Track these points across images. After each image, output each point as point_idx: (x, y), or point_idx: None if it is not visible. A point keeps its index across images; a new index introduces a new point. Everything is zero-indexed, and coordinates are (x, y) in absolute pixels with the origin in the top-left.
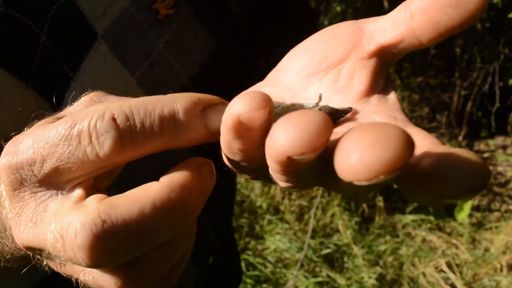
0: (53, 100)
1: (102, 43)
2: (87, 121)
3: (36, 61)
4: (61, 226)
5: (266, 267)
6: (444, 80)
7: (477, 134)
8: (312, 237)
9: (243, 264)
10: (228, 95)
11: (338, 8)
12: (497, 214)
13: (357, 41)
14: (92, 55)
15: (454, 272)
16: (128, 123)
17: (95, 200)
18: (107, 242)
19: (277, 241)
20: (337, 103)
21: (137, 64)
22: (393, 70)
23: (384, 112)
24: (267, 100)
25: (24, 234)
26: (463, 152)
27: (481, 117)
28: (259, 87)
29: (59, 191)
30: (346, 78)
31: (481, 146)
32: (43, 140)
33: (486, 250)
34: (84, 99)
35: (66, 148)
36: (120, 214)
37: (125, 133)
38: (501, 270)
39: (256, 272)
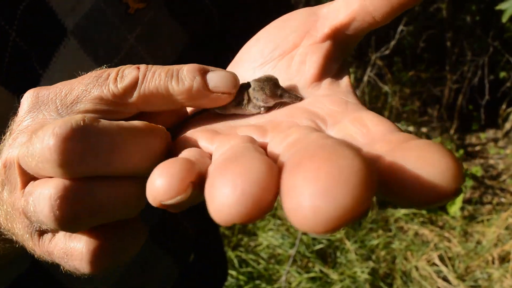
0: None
1: (72, 39)
2: (115, 69)
3: (7, 58)
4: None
5: (259, 263)
6: (435, 74)
7: (469, 127)
8: (305, 233)
9: (236, 261)
10: None
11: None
12: (488, 207)
13: (310, 26)
14: (62, 52)
15: (446, 265)
16: (147, 70)
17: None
18: (82, 141)
19: (269, 237)
20: (293, 87)
21: (107, 60)
22: (384, 64)
23: (334, 96)
24: (186, 177)
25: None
26: (423, 149)
27: (472, 111)
28: None
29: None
30: (297, 64)
31: (473, 139)
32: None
33: (478, 243)
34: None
35: (94, 83)
36: (102, 125)
37: (142, 74)
38: (493, 262)
39: (249, 269)
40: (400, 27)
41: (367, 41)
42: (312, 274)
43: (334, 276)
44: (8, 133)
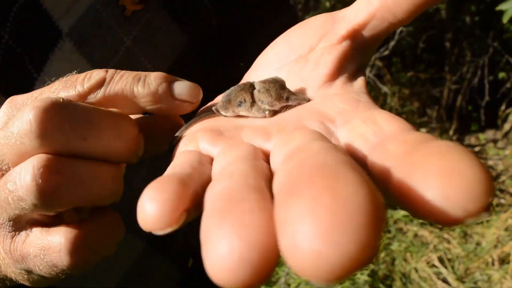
0: None
1: (67, 42)
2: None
3: (0, 61)
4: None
5: None
6: (434, 74)
7: (468, 128)
8: None
9: None
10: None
11: (327, 4)
12: None
13: (328, 29)
14: (57, 54)
15: (446, 267)
16: (114, 73)
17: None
18: (60, 113)
19: None
20: (301, 90)
21: (104, 62)
22: (383, 65)
23: (345, 94)
24: (179, 206)
25: None
26: (446, 156)
27: (471, 111)
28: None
29: None
30: (312, 65)
31: (472, 140)
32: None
33: (478, 244)
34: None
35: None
36: (78, 103)
37: (109, 75)
38: (493, 264)
39: None
40: (400, 28)
41: None
42: None
43: None
44: None
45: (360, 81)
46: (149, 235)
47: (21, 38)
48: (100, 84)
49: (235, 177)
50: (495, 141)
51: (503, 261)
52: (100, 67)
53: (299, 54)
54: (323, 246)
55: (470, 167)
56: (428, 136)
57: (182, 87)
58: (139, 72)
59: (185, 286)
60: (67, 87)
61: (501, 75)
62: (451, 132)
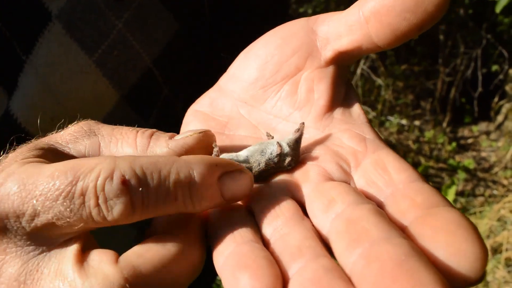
0: (5, 84)
1: (57, 24)
2: (92, 179)
3: None
4: None
5: None
6: (428, 67)
7: (461, 120)
8: None
9: None
10: (192, 81)
11: None
12: (481, 199)
13: (312, 47)
14: (46, 37)
15: None
16: (140, 188)
17: (107, 262)
18: None
19: None
20: (298, 120)
21: (95, 46)
22: (377, 57)
23: (350, 131)
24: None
25: None
26: (453, 232)
27: (464, 103)
28: (210, 96)
29: (52, 247)
30: (305, 91)
31: (465, 132)
32: (35, 190)
33: None
34: (73, 129)
35: (67, 206)
36: (146, 282)
37: (137, 199)
38: None
39: None
40: None
41: None
42: None
43: None
44: None
45: (357, 109)
46: (141, 224)
47: (9, 19)
48: (127, 214)
49: (308, 255)
50: (488, 133)
51: (495, 250)
52: (91, 50)
53: (286, 73)
54: None
55: (473, 246)
56: (435, 195)
57: (235, 187)
58: (168, 174)
59: None
60: (74, 211)
61: (494, 67)
62: (444, 124)
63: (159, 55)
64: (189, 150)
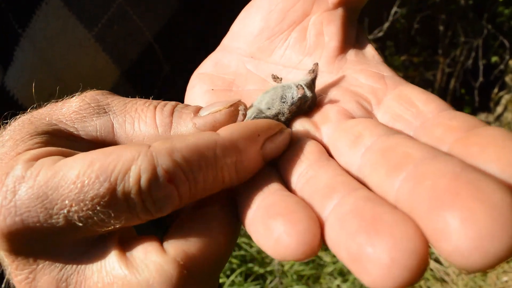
0: (0, 59)
1: None
2: (133, 182)
3: None
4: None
5: (251, 246)
6: (427, 58)
7: (461, 111)
8: None
9: None
10: (193, 59)
11: None
12: None
13: None
14: (44, 9)
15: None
16: (188, 183)
17: (154, 252)
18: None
19: None
20: (310, 67)
21: (94, 19)
22: (377, 47)
23: (367, 70)
24: (317, 235)
25: None
26: (502, 145)
27: (464, 95)
28: (214, 57)
29: (88, 246)
30: (314, 35)
31: None
32: (63, 199)
33: None
34: (78, 105)
35: (108, 215)
36: (200, 263)
37: (185, 191)
38: None
39: (242, 252)
40: (394, 8)
41: (360, 23)
42: None
43: (327, 258)
44: None
45: (370, 50)
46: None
47: None
48: (176, 206)
49: (342, 190)
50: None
51: None
52: (90, 24)
53: (292, 19)
54: (489, 243)
55: None
56: (468, 117)
57: (274, 149)
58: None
59: None
60: (119, 211)
61: (494, 59)
62: None
63: (160, 30)
64: (218, 126)
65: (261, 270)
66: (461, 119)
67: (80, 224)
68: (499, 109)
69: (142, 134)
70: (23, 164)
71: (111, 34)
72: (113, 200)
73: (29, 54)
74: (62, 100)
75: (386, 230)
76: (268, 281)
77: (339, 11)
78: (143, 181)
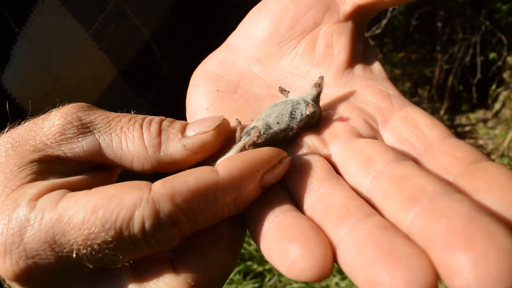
0: None
1: None
2: (137, 228)
3: None
4: None
5: (250, 244)
6: (426, 54)
7: (459, 108)
8: None
9: None
10: (191, 58)
11: None
12: None
13: (329, 1)
14: (41, 8)
15: None
16: (189, 224)
17: (166, 274)
18: None
19: None
20: (317, 77)
21: (91, 18)
22: (375, 44)
23: (373, 87)
24: (330, 258)
25: None
26: (504, 185)
27: (462, 91)
28: (219, 56)
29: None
30: (323, 46)
31: (462, 120)
32: (72, 243)
33: None
34: (60, 123)
35: (114, 255)
36: (208, 281)
37: (186, 230)
38: None
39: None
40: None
41: None
42: None
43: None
44: None
45: (377, 66)
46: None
47: None
48: (178, 240)
49: (357, 215)
50: (485, 121)
51: None
52: (87, 23)
53: (303, 28)
54: (496, 284)
55: None
56: (476, 152)
57: (273, 179)
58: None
59: None
60: (118, 246)
61: (492, 55)
62: (442, 112)
63: (157, 29)
64: (206, 147)
65: (260, 268)
66: (465, 150)
67: (90, 266)
68: (497, 105)
69: (131, 154)
70: (25, 206)
71: (108, 33)
72: (120, 244)
73: (26, 53)
74: (40, 117)
75: (403, 262)
76: (266, 279)
77: (349, 24)
78: (147, 227)
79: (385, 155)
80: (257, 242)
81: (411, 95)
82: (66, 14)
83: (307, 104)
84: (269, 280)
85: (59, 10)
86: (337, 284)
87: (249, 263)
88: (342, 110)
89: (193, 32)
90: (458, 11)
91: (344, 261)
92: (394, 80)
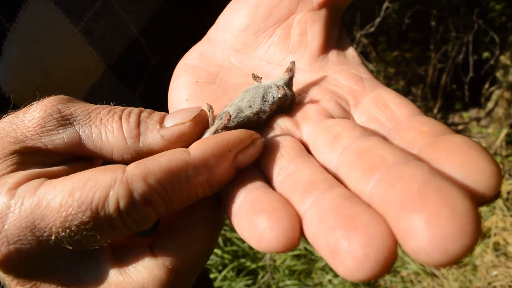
0: None
1: None
2: (113, 208)
3: None
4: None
5: (243, 242)
6: (419, 53)
7: (452, 106)
8: None
9: (220, 240)
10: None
11: None
12: None
13: None
14: (30, 4)
15: None
16: (163, 203)
17: (144, 256)
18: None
19: None
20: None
21: (80, 14)
22: (369, 43)
23: (347, 71)
24: (297, 228)
25: None
26: (465, 153)
27: (455, 90)
28: (199, 49)
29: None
30: (298, 34)
31: (456, 118)
32: (51, 227)
33: None
34: (41, 116)
35: (93, 236)
36: (186, 264)
37: (161, 209)
38: None
39: (234, 247)
40: (386, 4)
41: (352, 18)
42: (296, 252)
43: (318, 253)
44: None
45: (351, 52)
46: None
47: None
48: (155, 220)
49: (322, 187)
50: (478, 120)
51: (484, 235)
52: (76, 19)
53: (278, 17)
54: (449, 244)
55: (487, 164)
56: (439, 125)
57: (246, 160)
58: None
59: None
60: (96, 227)
61: (485, 54)
62: (435, 111)
63: (146, 24)
64: (184, 138)
65: (253, 265)
66: (431, 125)
67: (70, 247)
68: (490, 104)
69: (111, 145)
70: (6, 194)
71: (97, 28)
72: (97, 224)
73: (16, 48)
74: (21, 110)
75: (362, 228)
76: (260, 276)
77: (323, 12)
78: (122, 206)
79: (352, 131)
80: (231, 220)
81: (405, 94)
82: (55, 9)
83: (278, 87)
84: (262, 277)
85: (49, 5)
86: (330, 281)
87: (242, 260)
88: (315, 93)
89: (181, 27)
90: (451, 10)
91: (309, 232)
92: (388, 78)
